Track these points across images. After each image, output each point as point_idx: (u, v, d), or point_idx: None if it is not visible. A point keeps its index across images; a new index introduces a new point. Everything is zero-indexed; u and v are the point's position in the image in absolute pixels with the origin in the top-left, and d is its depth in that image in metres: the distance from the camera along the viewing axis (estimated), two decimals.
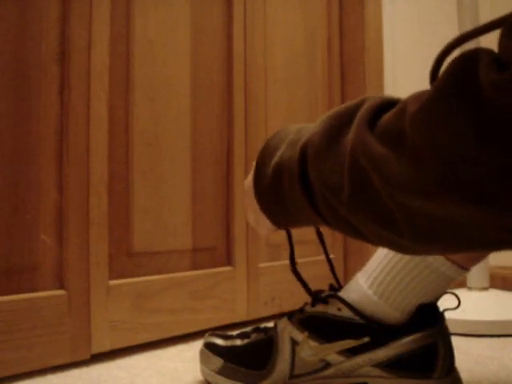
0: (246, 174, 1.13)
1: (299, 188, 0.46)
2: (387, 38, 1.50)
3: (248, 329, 0.74)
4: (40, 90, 0.81)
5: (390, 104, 0.41)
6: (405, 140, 0.35)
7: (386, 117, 0.39)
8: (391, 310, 0.64)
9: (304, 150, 0.45)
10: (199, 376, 0.75)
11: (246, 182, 0.59)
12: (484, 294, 1.13)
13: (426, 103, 0.34)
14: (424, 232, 0.37)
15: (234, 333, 0.74)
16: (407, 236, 0.38)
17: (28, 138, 0.79)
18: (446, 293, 0.66)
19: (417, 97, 0.36)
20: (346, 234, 0.46)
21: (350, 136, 0.41)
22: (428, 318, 0.64)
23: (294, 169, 0.46)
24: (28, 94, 0.79)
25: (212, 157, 1.08)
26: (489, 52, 0.33)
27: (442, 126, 0.33)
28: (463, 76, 0.33)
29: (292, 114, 1.28)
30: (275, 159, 0.49)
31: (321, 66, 1.38)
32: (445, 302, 0.67)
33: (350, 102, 0.45)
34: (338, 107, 0.45)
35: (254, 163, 0.54)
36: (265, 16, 1.20)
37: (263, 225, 0.56)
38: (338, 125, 0.43)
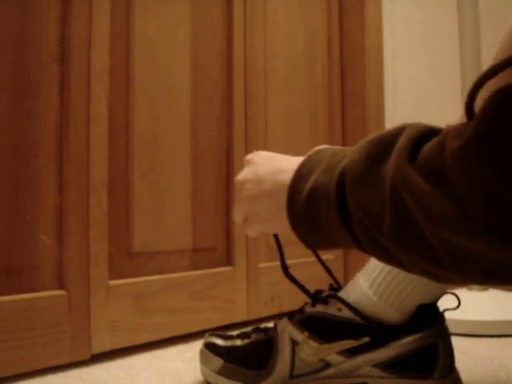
0: None
1: (336, 213, 0.45)
2: (387, 38, 1.50)
3: (248, 329, 0.74)
4: (40, 90, 0.81)
5: (430, 134, 0.41)
6: (446, 177, 0.35)
7: (427, 149, 0.39)
8: (391, 311, 0.64)
9: (342, 176, 0.45)
10: (199, 376, 0.75)
11: (240, 178, 0.59)
12: (484, 294, 1.13)
13: (468, 143, 0.34)
14: (468, 267, 0.37)
15: (234, 333, 0.74)
16: (448, 269, 0.39)
17: (28, 138, 0.79)
18: (445, 293, 0.66)
19: (457, 132, 0.36)
20: (381, 259, 0.45)
21: (390, 166, 0.40)
22: (428, 318, 0.64)
23: (330, 194, 0.46)
24: (28, 94, 0.79)
25: (212, 157, 1.08)
26: None
27: (484, 166, 0.33)
28: (504, 114, 0.32)
29: (292, 114, 1.28)
30: (310, 183, 0.49)
31: (321, 65, 1.38)
32: (445, 302, 0.67)
33: (388, 130, 0.44)
34: (377, 134, 0.45)
35: (276, 177, 0.54)
36: (265, 16, 1.20)
37: (254, 227, 0.56)
38: (378, 153, 0.43)
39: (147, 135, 0.96)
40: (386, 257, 0.44)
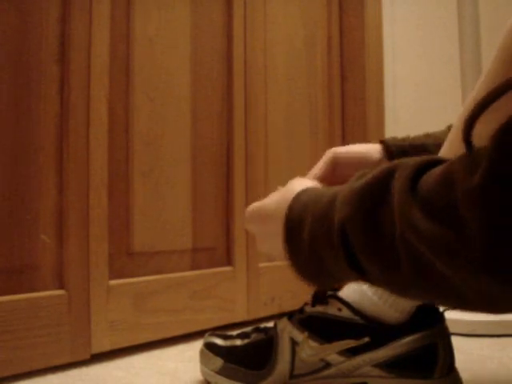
0: (246, 175, 1.12)
1: (348, 268, 0.44)
2: (387, 37, 1.50)
3: (248, 329, 0.74)
4: (40, 90, 0.81)
5: (427, 166, 0.38)
6: (461, 218, 0.33)
7: (429, 183, 0.36)
8: (391, 311, 0.64)
9: (342, 229, 0.43)
10: (199, 376, 0.75)
11: (253, 208, 0.58)
12: None
13: (483, 180, 0.32)
14: (494, 304, 0.36)
15: (234, 333, 0.74)
16: (476, 307, 0.38)
17: (28, 138, 0.79)
18: None
19: (468, 169, 0.33)
20: (401, 296, 0.45)
21: (393, 212, 0.38)
22: (428, 318, 0.63)
23: (336, 249, 0.43)
24: (28, 94, 0.79)
25: (212, 157, 1.08)
26: None
27: (505, 206, 0.31)
28: None
29: (292, 113, 1.28)
30: (306, 234, 0.47)
31: (321, 65, 1.38)
32: None
33: (374, 173, 0.41)
34: (363, 180, 0.42)
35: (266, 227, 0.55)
36: (265, 16, 1.20)
37: (280, 253, 0.55)
38: (374, 202, 0.40)
39: (147, 135, 0.96)
40: (405, 294, 0.43)
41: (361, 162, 0.71)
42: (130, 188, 0.94)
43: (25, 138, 0.79)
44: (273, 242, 0.54)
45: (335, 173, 0.71)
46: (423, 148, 0.70)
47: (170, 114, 1.00)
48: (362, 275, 0.44)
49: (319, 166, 0.72)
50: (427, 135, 0.72)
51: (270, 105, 1.21)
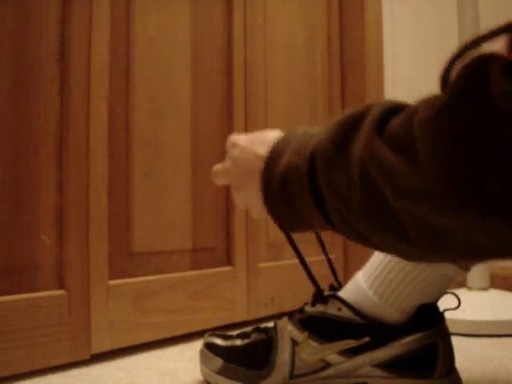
0: None
1: (309, 196, 0.46)
2: (387, 37, 1.50)
3: (248, 329, 0.74)
4: (40, 90, 0.81)
5: (397, 109, 0.40)
6: (416, 150, 0.35)
7: (395, 122, 0.38)
8: (391, 311, 0.64)
9: (312, 158, 0.45)
10: (199, 376, 0.75)
11: (240, 158, 0.59)
12: (484, 294, 1.13)
13: (438, 111, 0.33)
14: (440, 245, 0.37)
15: (234, 333, 0.74)
16: (421, 247, 0.38)
17: (28, 138, 0.79)
18: (446, 293, 0.66)
19: (428, 103, 0.35)
20: (355, 241, 0.45)
21: (359, 144, 0.40)
22: (428, 318, 0.63)
23: (303, 177, 0.46)
24: (28, 94, 0.79)
25: (212, 157, 1.08)
26: (500, 59, 0.32)
27: (454, 135, 0.32)
28: (474, 85, 0.32)
29: (292, 114, 1.28)
30: (281, 166, 0.49)
31: (321, 65, 1.38)
32: (445, 302, 0.67)
33: (355, 109, 0.44)
34: (343, 113, 0.45)
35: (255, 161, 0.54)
36: (265, 16, 1.20)
37: (255, 209, 0.56)
38: (346, 132, 0.43)
39: (147, 135, 0.96)
40: (358, 239, 0.44)
41: None
42: (130, 188, 0.94)
43: (25, 138, 0.79)
44: (248, 190, 0.55)
45: None
46: None
47: (169, 114, 1.00)
48: (321, 209, 0.45)
49: None
50: None
51: (269, 105, 1.21)
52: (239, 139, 0.60)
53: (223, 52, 1.11)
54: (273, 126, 1.21)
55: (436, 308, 0.65)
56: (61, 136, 0.83)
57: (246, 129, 1.13)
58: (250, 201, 0.56)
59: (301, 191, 0.47)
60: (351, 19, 1.45)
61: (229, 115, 1.11)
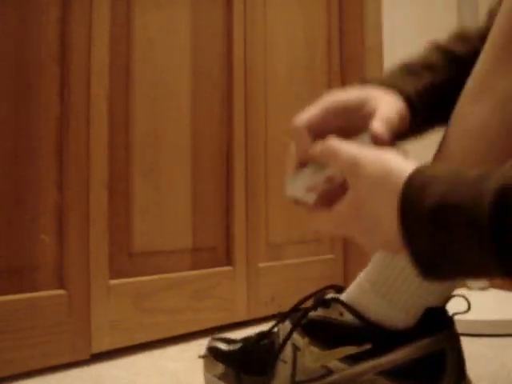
0: (246, 175, 1.12)
1: (490, 247, 0.36)
2: (387, 38, 1.50)
3: (251, 334, 0.73)
4: (40, 91, 0.81)
5: None
6: None
7: None
8: (396, 312, 0.61)
9: (501, 197, 0.35)
10: (199, 376, 0.75)
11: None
12: (484, 294, 1.13)
13: None
14: None
15: (238, 338, 0.73)
16: None
17: (28, 138, 0.79)
18: (454, 295, 0.63)
19: None
20: None
21: None
22: (435, 321, 0.60)
23: (481, 219, 0.35)
24: (28, 94, 0.79)
25: (212, 157, 1.08)
26: None
27: None
28: None
29: (292, 114, 1.27)
30: (430, 202, 0.38)
31: (321, 66, 1.38)
32: (451, 304, 0.63)
33: None
34: None
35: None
36: (265, 17, 1.20)
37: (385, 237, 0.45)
38: None
39: (147, 135, 0.96)
40: None
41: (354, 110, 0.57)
42: (130, 188, 0.94)
43: (25, 138, 0.79)
44: (377, 218, 0.43)
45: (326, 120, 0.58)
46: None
47: (170, 114, 1.00)
48: (503, 261, 0.36)
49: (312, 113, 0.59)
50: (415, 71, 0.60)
51: (269, 105, 1.21)
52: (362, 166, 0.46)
53: (223, 52, 1.11)
54: (273, 126, 1.22)
55: (444, 311, 0.61)
56: (61, 136, 0.83)
57: (246, 129, 1.13)
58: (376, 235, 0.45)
59: (471, 242, 0.37)
60: (351, 19, 1.45)
61: (229, 115, 1.11)
